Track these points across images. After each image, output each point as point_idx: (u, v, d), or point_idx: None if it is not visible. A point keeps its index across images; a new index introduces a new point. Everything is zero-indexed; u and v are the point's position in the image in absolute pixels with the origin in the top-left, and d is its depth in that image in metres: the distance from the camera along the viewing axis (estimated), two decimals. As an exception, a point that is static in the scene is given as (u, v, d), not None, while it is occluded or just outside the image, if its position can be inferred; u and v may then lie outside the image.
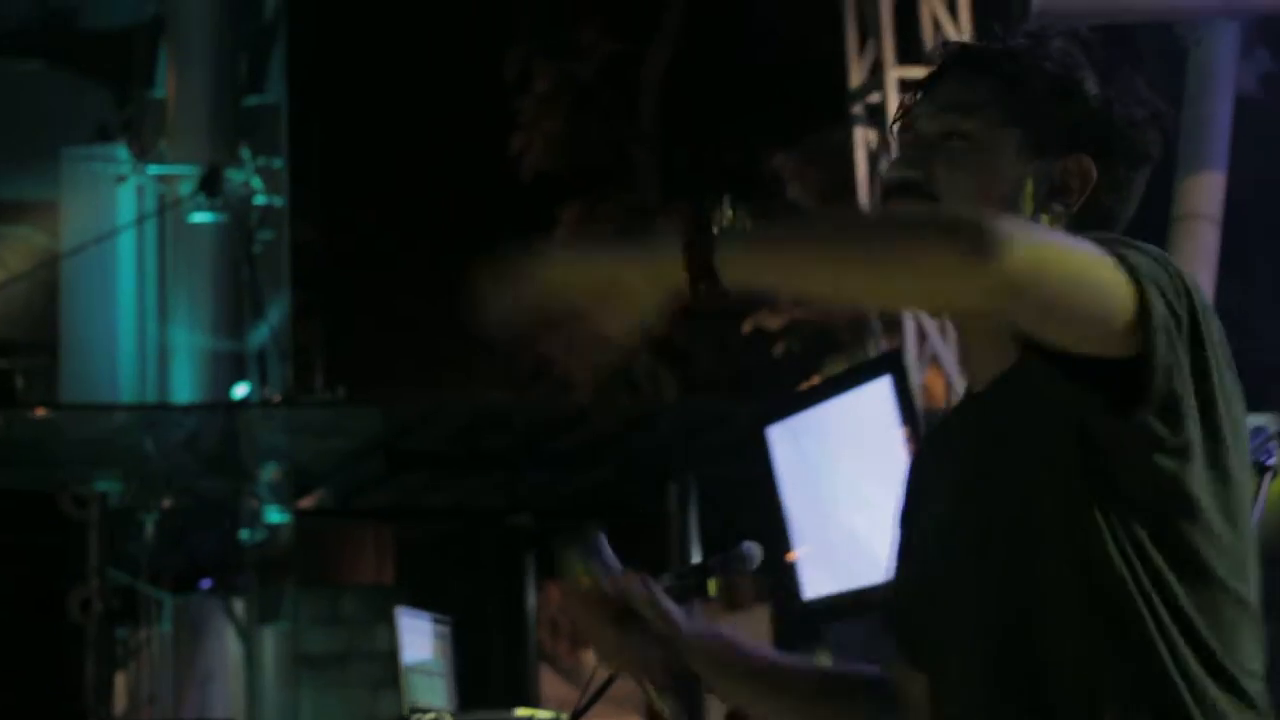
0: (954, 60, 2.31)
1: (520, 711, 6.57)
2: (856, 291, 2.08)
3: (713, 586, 4.33)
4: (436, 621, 6.94)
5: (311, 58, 13.47)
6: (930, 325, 8.57)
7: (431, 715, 6.17)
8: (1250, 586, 2.13)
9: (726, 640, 2.49)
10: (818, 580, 7.35)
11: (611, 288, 2.07)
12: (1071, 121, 2.24)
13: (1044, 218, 2.24)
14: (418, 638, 6.81)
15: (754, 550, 4.42)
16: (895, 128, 2.32)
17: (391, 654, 6.94)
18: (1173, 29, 8.75)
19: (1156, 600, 2.06)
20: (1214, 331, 2.10)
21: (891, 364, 7.64)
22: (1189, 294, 2.07)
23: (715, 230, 2.02)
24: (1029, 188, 2.24)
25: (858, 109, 9.05)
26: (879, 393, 7.37)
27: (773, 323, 15.92)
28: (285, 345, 12.71)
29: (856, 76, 9.05)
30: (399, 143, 16.51)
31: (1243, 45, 8.68)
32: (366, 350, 16.38)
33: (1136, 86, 2.28)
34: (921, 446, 2.49)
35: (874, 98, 8.92)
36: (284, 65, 13.17)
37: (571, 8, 16.69)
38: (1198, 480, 2.08)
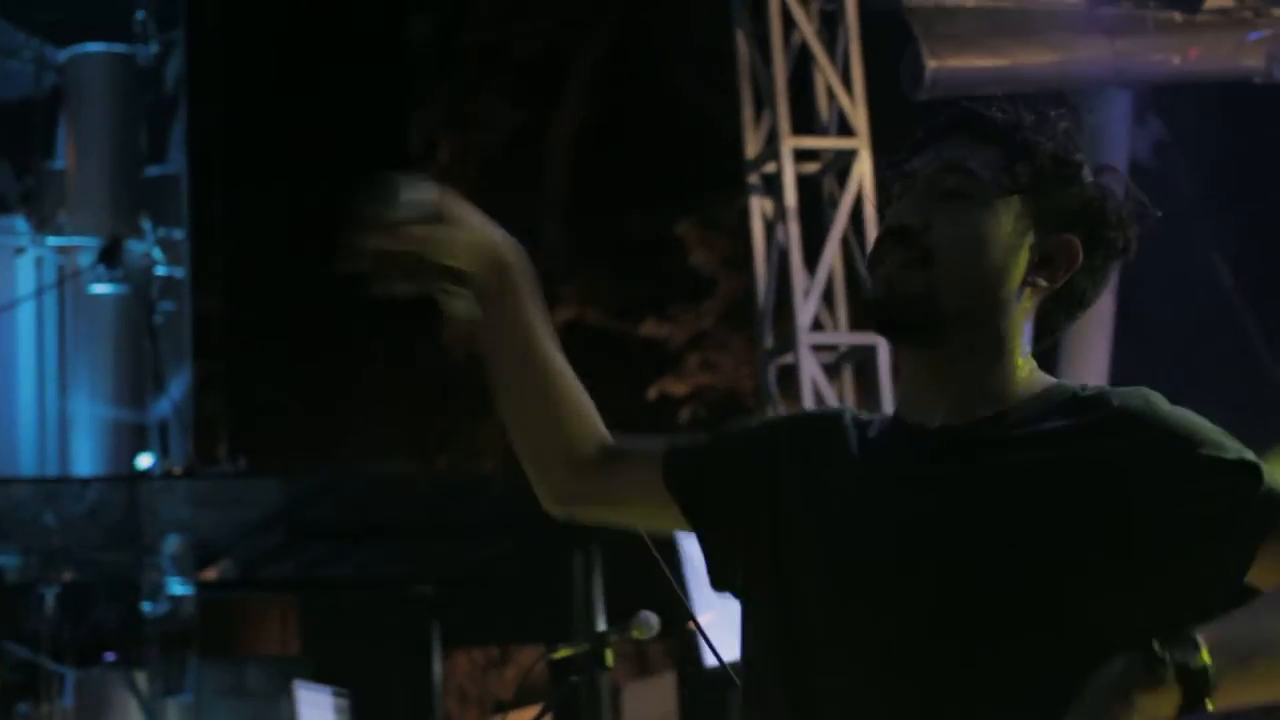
0: (963, 122, 2.34)
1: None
2: None
3: (610, 656, 4.34)
4: (336, 694, 6.91)
5: (212, 128, 13.45)
6: (827, 391, 8.63)
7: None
8: None
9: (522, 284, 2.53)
10: (725, 645, 7.33)
11: None
12: (1069, 202, 2.31)
13: (1027, 290, 2.30)
14: (317, 711, 6.78)
15: (652, 619, 4.44)
16: (890, 176, 2.36)
17: (295, 726, 6.91)
18: (1066, 97, 8.88)
19: None
20: None
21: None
22: None
23: (1202, 666, 1.97)
24: (1021, 258, 2.29)
25: (754, 178, 9.11)
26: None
27: (678, 388, 15.98)
28: (187, 416, 12.65)
29: (752, 147, 9.12)
30: (301, 214, 16.47)
31: (1135, 113, 8.83)
32: (269, 421, 16.32)
33: (1122, 182, 2.36)
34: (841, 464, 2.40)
35: (769, 167, 8.99)
36: (184, 135, 13.14)
37: (475, 80, 16.73)
38: None
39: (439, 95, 16.76)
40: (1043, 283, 2.30)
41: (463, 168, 16.83)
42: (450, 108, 16.78)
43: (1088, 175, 2.32)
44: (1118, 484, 2.13)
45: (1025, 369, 2.31)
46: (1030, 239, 2.28)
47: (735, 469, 2.44)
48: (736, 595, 2.42)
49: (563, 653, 4.39)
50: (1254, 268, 11.51)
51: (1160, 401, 2.21)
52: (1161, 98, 9.17)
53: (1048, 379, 2.33)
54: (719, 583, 2.47)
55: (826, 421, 2.44)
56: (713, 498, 2.46)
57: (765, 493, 2.38)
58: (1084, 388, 2.28)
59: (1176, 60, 8.54)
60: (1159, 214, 2.36)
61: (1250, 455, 2.14)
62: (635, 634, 4.39)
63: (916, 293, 2.26)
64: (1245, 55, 8.52)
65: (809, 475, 2.36)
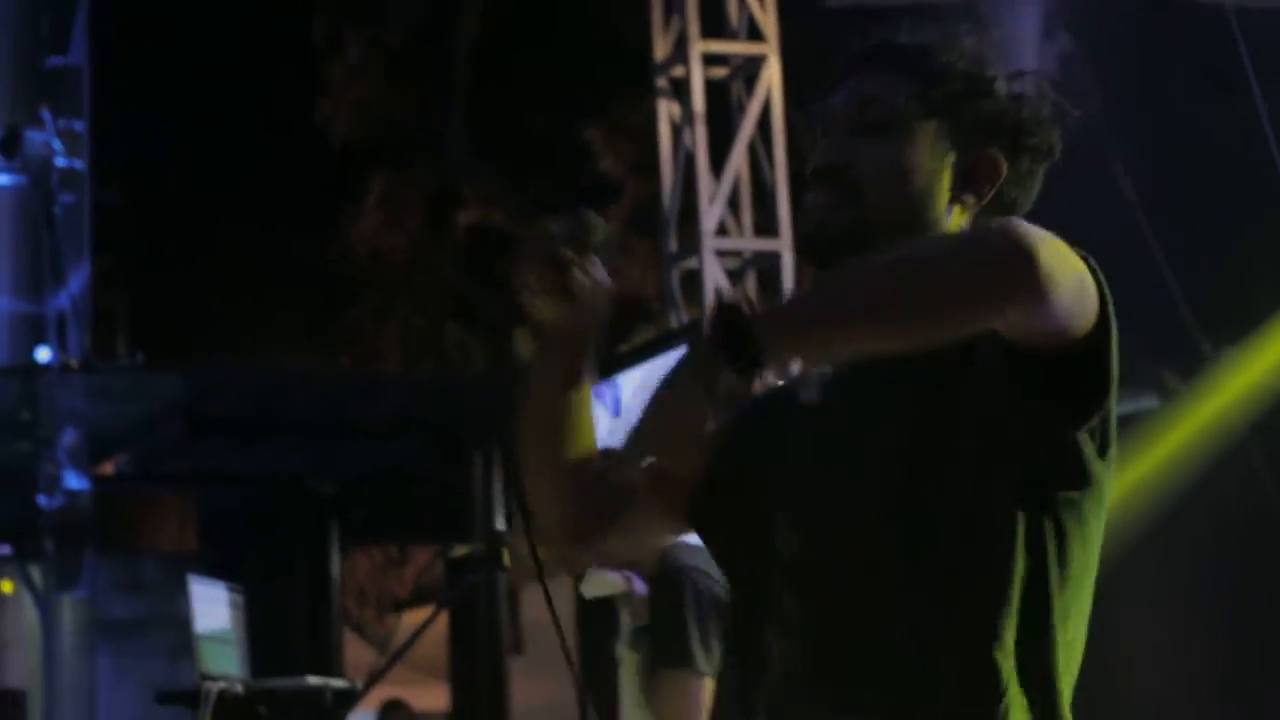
0: (873, 54, 2.41)
1: (314, 679, 6.54)
2: (900, 342, 2.10)
3: (507, 556, 4.36)
4: (231, 590, 6.89)
5: (115, 19, 13.26)
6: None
7: (222, 684, 6.12)
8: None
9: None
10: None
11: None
12: (985, 117, 2.36)
13: (955, 208, 2.36)
14: (211, 606, 6.76)
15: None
16: (813, 118, 2.42)
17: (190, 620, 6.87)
18: (975, 10, 8.88)
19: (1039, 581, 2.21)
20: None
21: (693, 333, 7.71)
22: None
23: (747, 322, 2.04)
24: (945, 178, 2.35)
25: (662, 82, 9.08)
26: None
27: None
28: (85, 309, 12.52)
29: (661, 50, 9.08)
30: (204, 107, 16.31)
31: (1043, 27, 8.84)
32: (169, 315, 16.19)
33: (1041, 85, 2.40)
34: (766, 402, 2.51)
35: (678, 71, 8.96)
36: (86, 26, 12.94)
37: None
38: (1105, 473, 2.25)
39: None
40: (970, 199, 2.35)
41: (367, 65, 16.69)
42: (355, 3, 16.60)
43: (1002, 86, 2.36)
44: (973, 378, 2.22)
45: None
46: (951, 158, 2.34)
47: (724, 471, 2.49)
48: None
49: (460, 552, 4.41)
50: (1157, 183, 11.59)
51: None
52: (1069, 12, 9.20)
53: None
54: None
55: (773, 395, 2.52)
56: (716, 510, 2.51)
57: (741, 474, 2.46)
58: None
59: (1090, -28, 8.54)
60: (1076, 113, 2.40)
61: None
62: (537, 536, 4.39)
63: (847, 228, 2.31)
64: (1157, -30, 8.52)
65: (762, 437, 2.47)
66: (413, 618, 19.59)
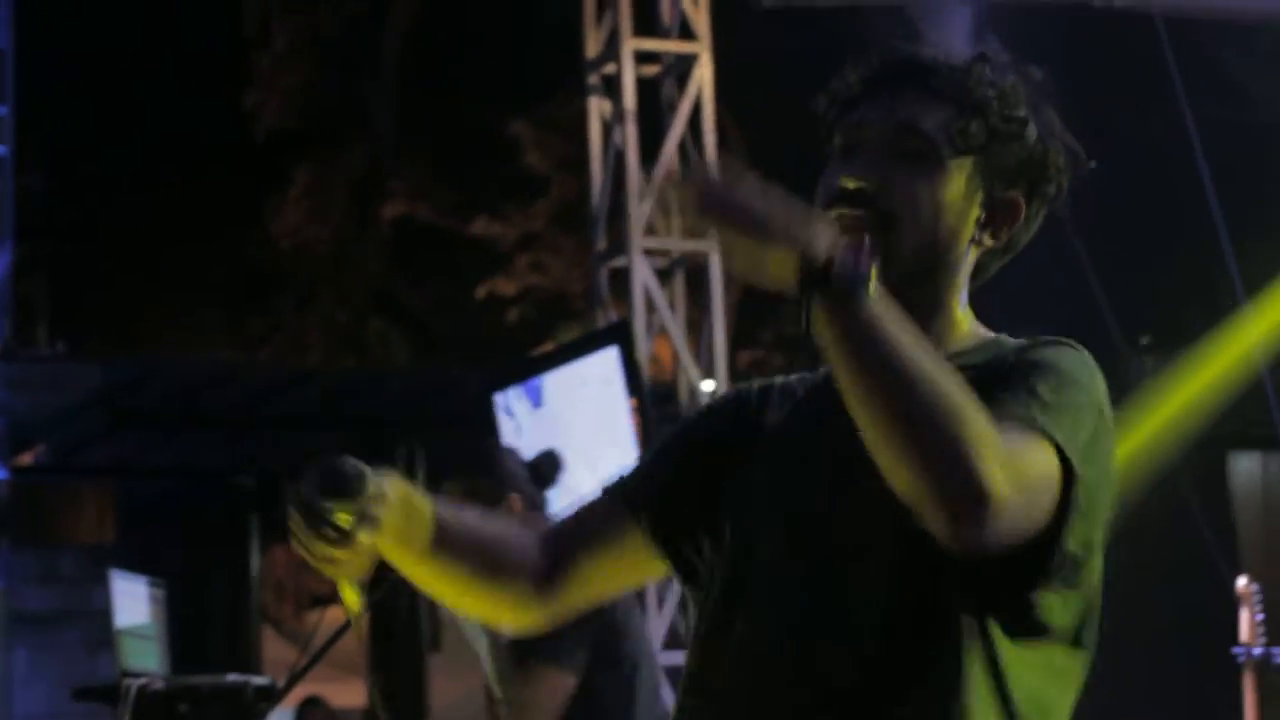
0: (911, 72, 2.32)
1: (234, 676, 6.48)
2: (878, 439, 2.04)
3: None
4: (151, 584, 6.83)
5: (40, 4, 13.14)
6: (659, 297, 8.61)
7: (142, 680, 6.05)
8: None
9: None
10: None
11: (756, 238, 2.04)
12: (1014, 159, 2.29)
13: (973, 248, 2.31)
14: (131, 600, 6.70)
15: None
16: (836, 122, 2.34)
17: (109, 615, 6.81)
18: (905, 10, 8.90)
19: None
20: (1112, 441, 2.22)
21: (619, 334, 7.69)
22: (1102, 412, 2.20)
23: (862, 279, 2.00)
24: (973, 218, 2.29)
25: (593, 79, 9.04)
26: (607, 361, 7.42)
27: (507, 288, 15.93)
28: (5, 298, 12.39)
29: (593, 47, 9.05)
30: (131, 96, 16.18)
31: (974, 30, 8.86)
32: (90, 306, 16.06)
33: (1056, 125, 2.34)
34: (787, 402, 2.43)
35: (609, 68, 8.92)
36: (10, 10, 12.81)
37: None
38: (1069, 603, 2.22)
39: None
40: (988, 241, 2.30)
41: (297, 53, 16.60)
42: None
43: (1032, 130, 2.30)
44: None
45: (965, 323, 2.33)
46: (979, 198, 2.29)
47: (682, 470, 2.43)
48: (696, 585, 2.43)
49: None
50: (1084, 191, 11.64)
51: (1048, 350, 2.23)
52: (999, 15, 9.22)
53: (986, 334, 2.34)
54: (688, 580, 2.45)
55: (752, 395, 2.45)
56: (672, 505, 2.42)
57: (713, 480, 2.39)
58: (1015, 341, 2.30)
59: (1019, -21, 8.57)
60: (1092, 163, 2.36)
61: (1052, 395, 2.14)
62: None
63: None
64: (1086, -23, 8.56)
65: (743, 450, 2.37)
66: (332, 615, 19.49)
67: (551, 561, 2.40)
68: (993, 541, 2.01)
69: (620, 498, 2.42)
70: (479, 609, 2.48)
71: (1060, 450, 2.08)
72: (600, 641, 4.91)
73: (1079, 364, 2.20)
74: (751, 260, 2.04)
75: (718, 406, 2.50)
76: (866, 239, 2.06)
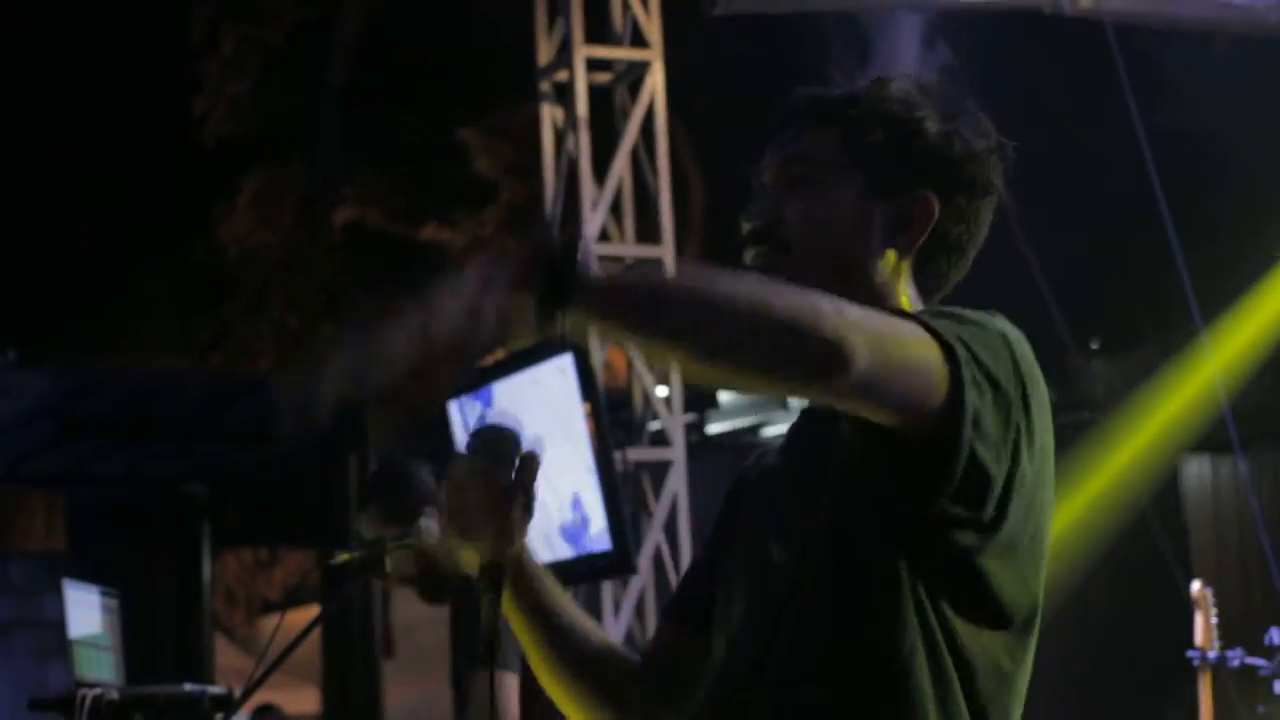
0: (800, 109, 2.41)
1: (190, 686, 6.44)
2: (704, 375, 2.09)
3: (389, 562, 4.30)
4: (105, 594, 6.79)
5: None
6: (613, 304, 8.60)
7: (98, 690, 6.02)
8: (1020, 663, 2.28)
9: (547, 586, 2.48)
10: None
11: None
12: (913, 160, 2.35)
13: (889, 253, 2.35)
14: (85, 610, 6.65)
15: (432, 525, 4.39)
16: (753, 182, 2.43)
17: (60, 624, 6.77)
18: (857, 20, 8.91)
19: (934, 660, 2.19)
20: (1039, 404, 2.22)
21: (573, 341, 7.67)
22: (1016, 365, 2.19)
23: (570, 273, 2.03)
24: (874, 225, 2.34)
25: (545, 86, 9.04)
26: (561, 368, 7.40)
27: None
28: (-46, 305, 12.35)
29: (545, 54, 9.04)
30: (79, 103, 16.10)
31: (924, 38, 8.88)
32: (40, 313, 15.97)
33: (977, 120, 2.38)
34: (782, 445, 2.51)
35: (562, 76, 8.92)
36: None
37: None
38: (991, 553, 2.20)
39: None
40: (904, 243, 2.35)
41: (245, 60, 16.53)
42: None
43: (932, 125, 2.35)
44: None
45: None
46: (880, 205, 2.34)
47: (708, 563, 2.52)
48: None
49: (342, 558, 4.35)
50: (1034, 195, 11.68)
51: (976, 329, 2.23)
52: (949, 24, 9.25)
53: None
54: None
55: (760, 453, 2.54)
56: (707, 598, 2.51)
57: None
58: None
59: (970, -13, 8.60)
60: (1013, 144, 2.40)
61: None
62: (415, 540, 4.37)
63: (782, 278, 2.26)
64: (1038, -15, 8.59)
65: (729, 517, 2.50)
66: (286, 621, 19.41)
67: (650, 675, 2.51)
68: (862, 385, 2.02)
69: (674, 618, 2.54)
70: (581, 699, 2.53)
71: (944, 345, 2.10)
72: None
73: (992, 329, 2.20)
74: None
75: (728, 495, 2.58)
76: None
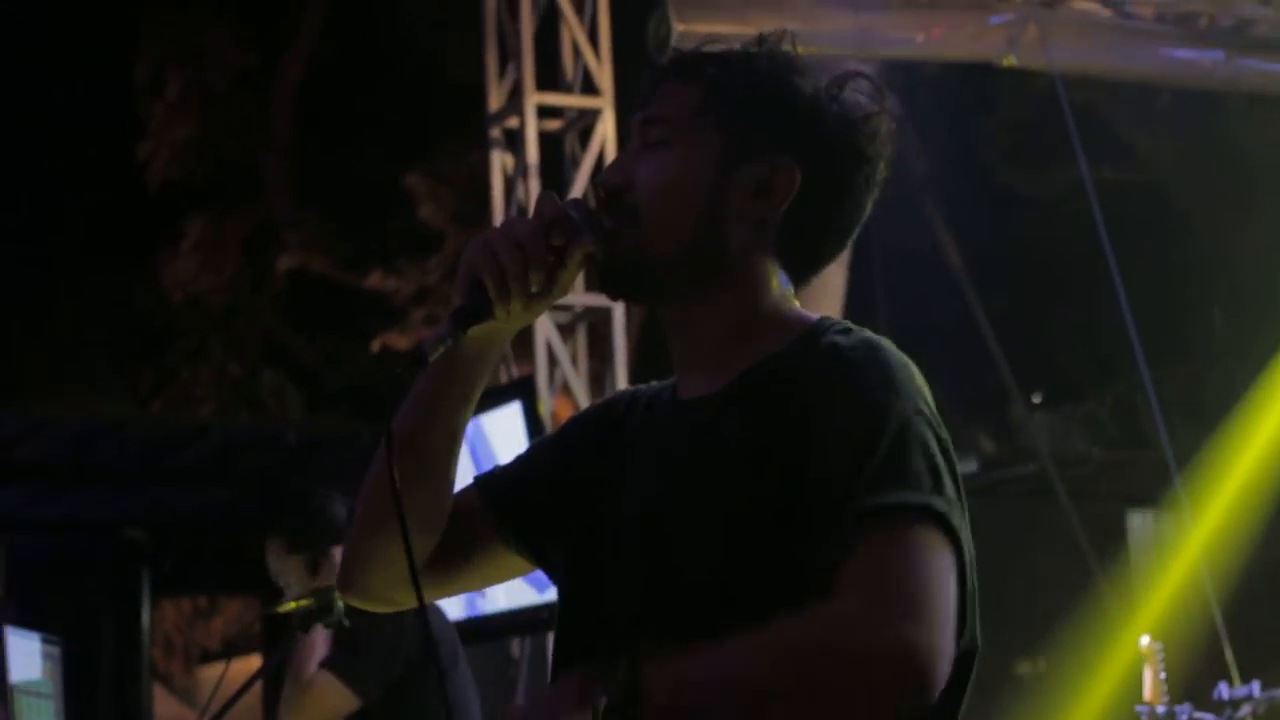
0: (669, 71, 2.27)
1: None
2: None
3: (341, 607, 4.25)
4: (45, 640, 6.69)
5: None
6: (561, 353, 8.57)
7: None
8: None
9: None
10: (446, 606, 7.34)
11: None
12: (776, 123, 2.21)
13: (749, 225, 2.22)
14: (24, 658, 6.55)
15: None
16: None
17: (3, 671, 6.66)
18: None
19: None
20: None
21: (522, 389, 7.65)
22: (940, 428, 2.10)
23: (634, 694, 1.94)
24: (733, 191, 2.21)
25: (495, 133, 9.01)
26: (509, 417, 7.37)
27: (401, 342, 15.83)
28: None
29: (496, 100, 9.02)
30: (21, 144, 16.00)
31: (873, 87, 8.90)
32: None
33: (861, 87, 2.24)
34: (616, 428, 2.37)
35: (512, 122, 8.90)
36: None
37: (204, 16, 16.35)
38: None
39: (168, 30, 16.34)
40: (764, 210, 2.21)
41: (188, 104, 16.46)
42: (179, 44, 16.38)
43: (805, 87, 2.21)
44: (788, 443, 2.08)
45: (779, 313, 2.24)
46: (741, 169, 2.20)
47: (544, 476, 2.39)
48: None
49: (286, 606, 4.29)
50: (980, 246, 11.73)
51: (858, 351, 2.13)
52: (896, 75, 9.27)
53: (808, 319, 2.24)
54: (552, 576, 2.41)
55: (614, 410, 2.40)
56: (527, 509, 2.38)
57: (569, 493, 2.34)
58: (837, 329, 2.19)
59: (920, 38, 8.63)
60: (896, 115, 2.28)
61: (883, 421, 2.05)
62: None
63: (628, 249, 2.20)
64: (986, 37, 8.63)
65: (596, 473, 2.32)
66: (222, 670, 19.27)
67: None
68: (934, 675, 1.93)
69: (488, 497, 2.39)
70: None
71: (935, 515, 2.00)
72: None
73: (888, 388, 2.08)
74: None
75: (589, 416, 2.45)
76: None
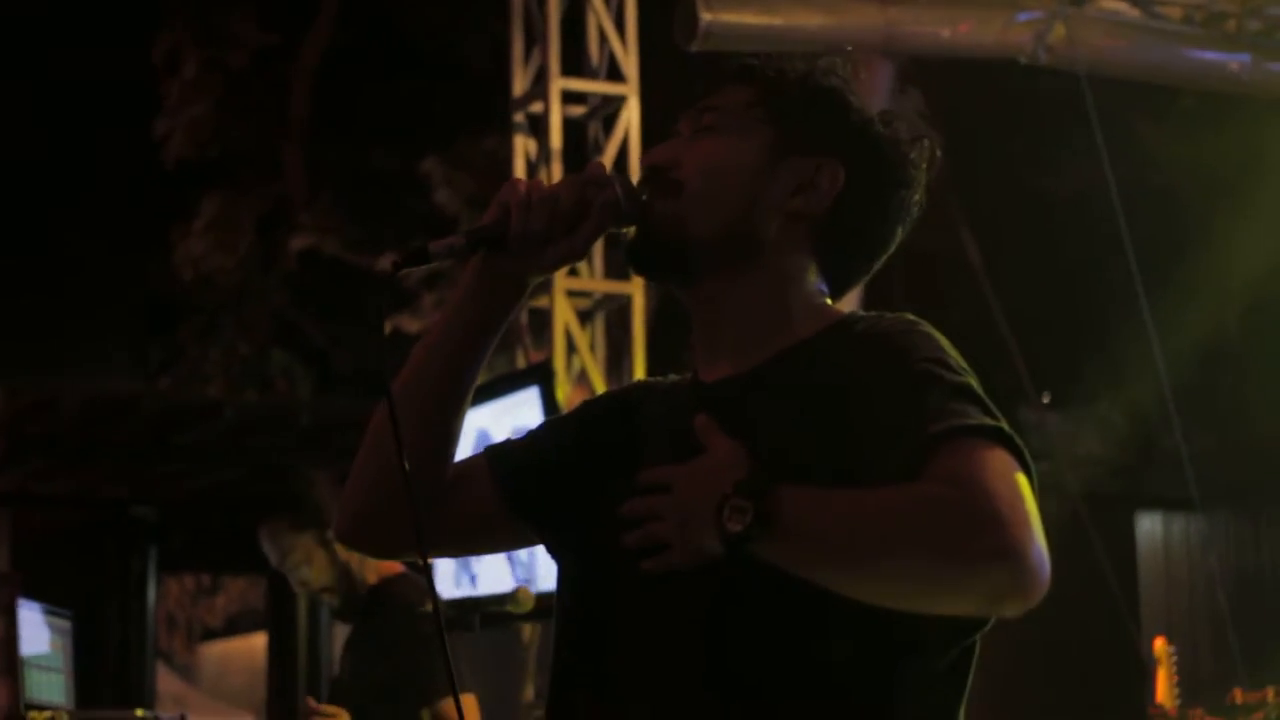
0: (726, 75, 2.34)
1: (139, 712, 6.35)
2: (886, 598, 2.00)
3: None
4: (54, 614, 6.68)
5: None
6: (579, 339, 8.56)
7: (48, 714, 5.91)
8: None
9: None
10: (442, 586, 7.36)
11: None
12: (826, 126, 2.27)
13: (786, 218, 2.26)
14: (34, 630, 6.54)
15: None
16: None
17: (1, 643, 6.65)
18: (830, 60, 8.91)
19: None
20: None
21: (541, 375, 7.63)
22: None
23: (749, 523, 1.94)
24: (776, 183, 2.25)
25: (519, 117, 8.99)
26: (527, 402, 7.36)
27: (412, 326, 15.83)
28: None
29: (520, 84, 8.99)
30: (40, 120, 15.99)
31: (896, 83, 8.89)
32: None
33: (910, 113, 2.34)
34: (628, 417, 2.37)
35: (536, 107, 8.87)
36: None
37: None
38: None
39: (188, 6, 16.32)
40: (800, 205, 2.25)
41: (206, 84, 16.44)
42: (198, 23, 16.35)
43: (855, 103, 2.28)
44: (835, 412, 2.10)
45: (811, 306, 2.27)
46: (785, 165, 2.25)
47: (556, 451, 2.39)
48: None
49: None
50: (1000, 243, 11.71)
51: (903, 323, 2.17)
52: (920, 71, 9.26)
53: (838, 313, 2.28)
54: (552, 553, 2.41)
55: (630, 396, 2.42)
56: (535, 484, 2.38)
57: (580, 469, 2.34)
58: (865, 317, 2.22)
59: (946, 33, 8.60)
60: (934, 139, 2.32)
61: (948, 375, 2.08)
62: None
63: (665, 222, 2.24)
64: (1013, 34, 8.60)
65: (610, 454, 2.31)
66: (224, 647, 19.31)
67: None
68: (1043, 576, 1.95)
69: (497, 467, 2.39)
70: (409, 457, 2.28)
71: (1002, 436, 2.02)
72: None
73: (934, 339, 2.14)
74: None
75: (604, 398, 2.48)
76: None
